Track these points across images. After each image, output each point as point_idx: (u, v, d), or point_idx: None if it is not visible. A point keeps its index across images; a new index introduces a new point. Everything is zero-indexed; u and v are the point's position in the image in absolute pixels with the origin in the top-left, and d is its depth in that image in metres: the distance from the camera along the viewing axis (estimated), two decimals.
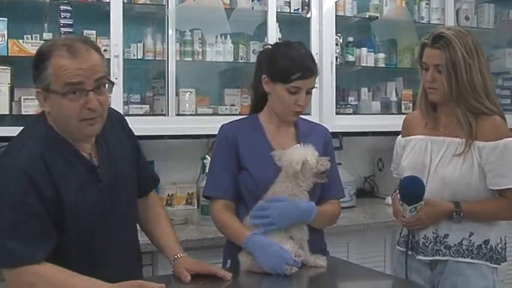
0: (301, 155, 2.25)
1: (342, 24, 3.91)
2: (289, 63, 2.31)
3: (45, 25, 3.38)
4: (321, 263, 2.26)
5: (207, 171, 2.54)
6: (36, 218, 1.83)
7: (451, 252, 2.36)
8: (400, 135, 2.61)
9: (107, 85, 1.93)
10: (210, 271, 2.11)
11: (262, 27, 3.68)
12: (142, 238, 2.70)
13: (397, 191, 2.50)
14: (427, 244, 2.39)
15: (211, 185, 2.40)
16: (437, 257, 2.38)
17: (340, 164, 3.58)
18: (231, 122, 2.49)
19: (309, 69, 2.32)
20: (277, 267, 2.13)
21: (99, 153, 2.02)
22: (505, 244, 2.43)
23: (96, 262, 1.90)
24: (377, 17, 4.04)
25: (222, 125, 2.46)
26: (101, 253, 1.99)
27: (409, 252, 2.45)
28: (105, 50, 3.26)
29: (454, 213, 2.32)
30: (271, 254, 2.14)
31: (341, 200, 2.53)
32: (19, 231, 1.81)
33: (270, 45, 2.50)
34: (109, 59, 3.23)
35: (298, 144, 2.33)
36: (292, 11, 3.76)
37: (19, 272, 1.82)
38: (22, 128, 2.02)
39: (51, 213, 1.86)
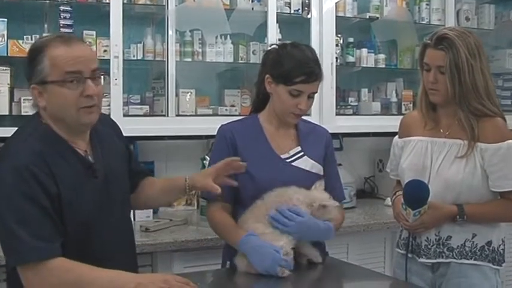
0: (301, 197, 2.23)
1: (342, 24, 3.90)
2: (293, 65, 2.29)
3: (45, 26, 3.37)
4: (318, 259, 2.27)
5: None
6: (46, 214, 1.85)
7: (454, 254, 2.35)
8: (396, 136, 2.60)
9: (102, 78, 1.97)
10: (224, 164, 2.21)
11: (263, 27, 3.67)
12: (140, 239, 2.71)
13: (397, 193, 2.50)
14: (429, 246, 2.38)
15: None
16: (440, 259, 2.36)
17: (340, 164, 3.57)
18: (230, 122, 2.47)
19: (313, 73, 2.30)
20: (269, 268, 2.11)
21: (94, 151, 2.03)
22: (504, 245, 2.42)
23: (93, 260, 1.90)
24: (377, 18, 4.04)
25: (221, 126, 2.45)
26: (98, 250, 1.99)
27: (409, 255, 2.44)
28: (105, 51, 3.28)
29: (458, 216, 2.32)
30: (264, 255, 2.12)
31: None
32: (35, 228, 1.82)
33: (277, 45, 2.46)
34: (109, 60, 3.23)
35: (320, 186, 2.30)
36: (292, 12, 3.76)
37: (43, 267, 1.82)
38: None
39: (56, 209, 1.87)
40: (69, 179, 1.91)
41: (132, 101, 3.49)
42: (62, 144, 1.95)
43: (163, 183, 2.37)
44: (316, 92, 2.36)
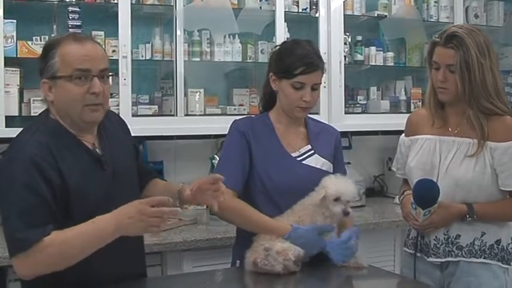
0: (328, 185, 2.24)
1: (351, 23, 3.90)
2: (292, 58, 2.31)
3: (54, 26, 3.39)
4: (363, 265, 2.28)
5: None
6: (45, 205, 1.87)
7: (464, 252, 2.34)
8: (403, 134, 2.59)
9: (110, 78, 2.03)
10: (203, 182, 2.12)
11: (271, 27, 3.67)
12: (150, 238, 2.71)
13: (405, 193, 2.48)
14: (438, 245, 2.37)
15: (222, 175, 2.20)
16: (450, 258, 2.36)
17: (349, 163, 3.58)
18: (242, 118, 2.49)
19: (312, 64, 2.31)
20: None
21: (101, 145, 2.07)
22: None
23: (99, 253, 1.91)
24: (385, 16, 4.04)
25: (235, 120, 2.46)
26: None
27: (418, 254, 2.43)
28: (113, 51, 3.29)
29: (467, 216, 2.31)
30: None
31: None
32: (28, 217, 1.84)
33: (280, 44, 2.50)
34: (117, 60, 3.24)
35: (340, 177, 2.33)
36: (300, 11, 3.76)
37: (33, 251, 1.83)
38: None
39: (59, 201, 1.90)
40: (76, 171, 1.94)
41: (141, 101, 3.50)
42: (69, 137, 1.99)
43: (163, 188, 2.30)
44: (320, 83, 2.37)
